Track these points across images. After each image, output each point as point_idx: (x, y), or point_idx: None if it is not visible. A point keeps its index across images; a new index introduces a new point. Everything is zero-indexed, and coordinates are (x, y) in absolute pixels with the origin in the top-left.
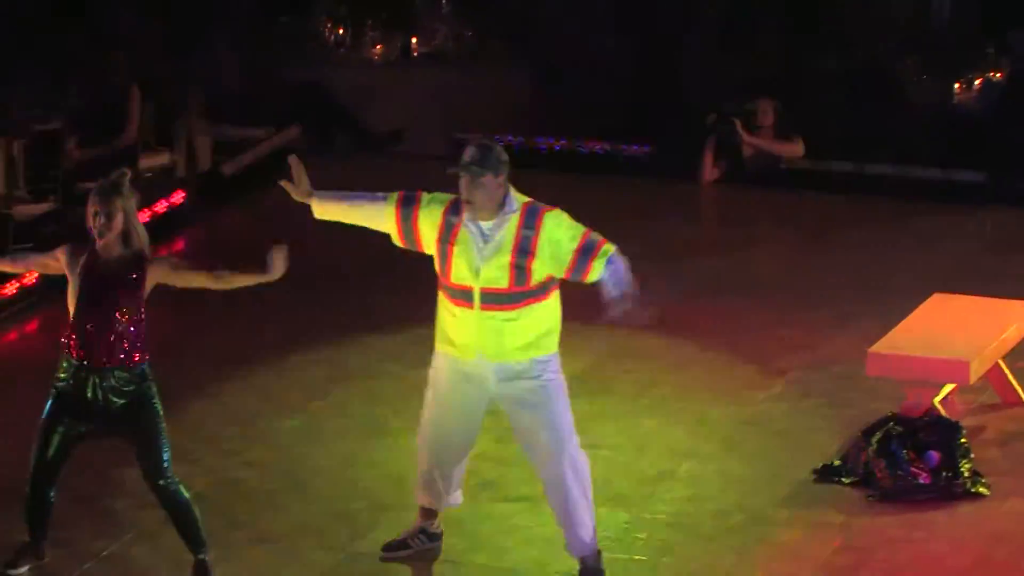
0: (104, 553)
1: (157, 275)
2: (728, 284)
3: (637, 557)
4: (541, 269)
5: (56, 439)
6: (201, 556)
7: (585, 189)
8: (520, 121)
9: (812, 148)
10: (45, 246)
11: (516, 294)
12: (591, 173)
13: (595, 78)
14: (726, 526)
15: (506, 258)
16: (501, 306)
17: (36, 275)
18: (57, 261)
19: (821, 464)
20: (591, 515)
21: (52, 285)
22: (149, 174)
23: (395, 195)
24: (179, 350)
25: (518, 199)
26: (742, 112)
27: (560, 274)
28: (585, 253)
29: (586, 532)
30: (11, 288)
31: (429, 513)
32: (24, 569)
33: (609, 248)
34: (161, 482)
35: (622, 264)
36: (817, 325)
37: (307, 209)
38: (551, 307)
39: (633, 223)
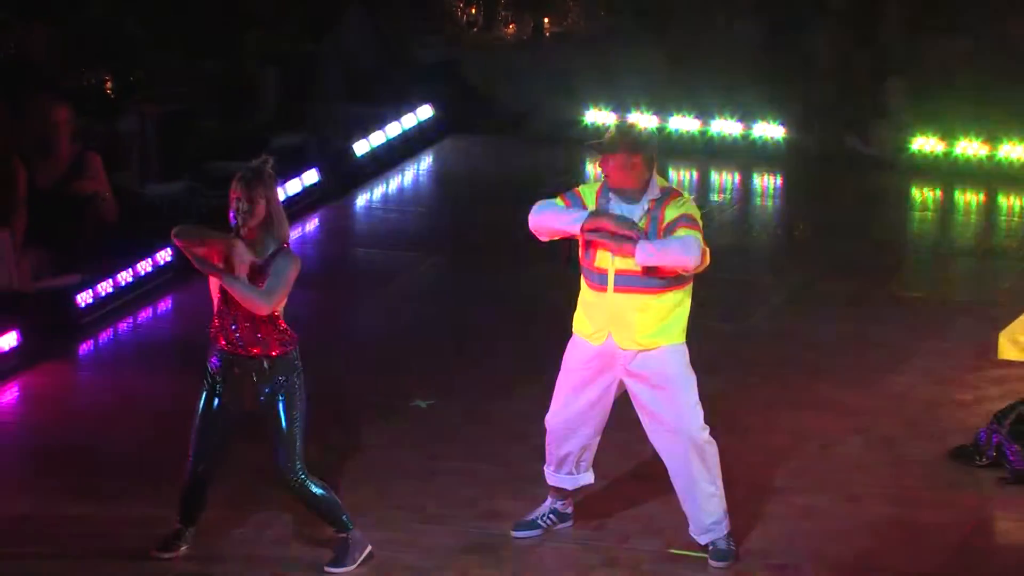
0: (238, 531)
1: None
2: (855, 267)
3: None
4: None
5: (214, 428)
6: (344, 535)
7: (717, 170)
8: (652, 102)
9: (943, 130)
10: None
11: (648, 279)
12: (724, 155)
13: (727, 58)
14: (859, 508)
15: None
16: (633, 289)
17: (171, 254)
18: (220, 247)
19: (954, 446)
20: (719, 502)
21: (186, 266)
22: (280, 154)
23: (561, 200)
24: (314, 332)
25: (659, 184)
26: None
27: None
28: (671, 227)
29: (710, 518)
30: (145, 266)
31: (559, 493)
32: (173, 554)
33: (691, 232)
34: (286, 479)
35: (679, 246)
36: (947, 310)
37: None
38: (682, 298)
39: (763, 204)
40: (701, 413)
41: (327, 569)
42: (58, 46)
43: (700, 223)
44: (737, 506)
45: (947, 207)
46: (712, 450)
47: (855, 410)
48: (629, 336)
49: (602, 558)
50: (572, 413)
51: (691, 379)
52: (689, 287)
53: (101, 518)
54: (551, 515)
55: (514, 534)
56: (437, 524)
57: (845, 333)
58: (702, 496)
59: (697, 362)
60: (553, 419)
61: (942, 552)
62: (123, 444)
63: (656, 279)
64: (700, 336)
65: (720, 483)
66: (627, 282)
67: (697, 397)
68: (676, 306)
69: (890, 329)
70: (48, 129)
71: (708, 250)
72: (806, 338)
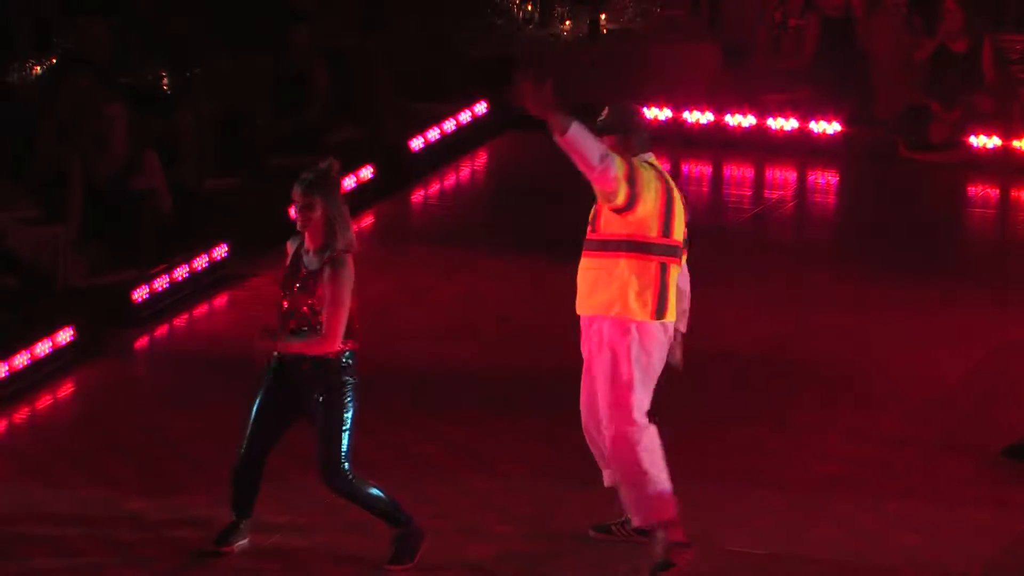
0: (290, 526)
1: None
2: (912, 265)
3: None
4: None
5: (270, 417)
6: (400, 530)
7: (773, 166)
8: (709, 97)
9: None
10: (234, 222)
11: (603, 242)
12: (780, 150)
13: (781, 53)
14: (912, 503)
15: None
16: (592, 253)
17: (226, 249)
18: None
19: (1010, 443)
20: (644, 486)
21: (241, 262)
22: (334, 150)
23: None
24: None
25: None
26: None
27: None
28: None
29: (637, 505)
30: (201, 262)
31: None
32: (229, 549)
33: (618, 157)
34: (330, 480)
35: (598, 150)
36: (1007, 307)
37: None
38: (640, 269)
39: (819, 200)
40: (638, 402)
41: (387, 567)
42: (116, 43)
43: (639, 174)
44: (788, 504)
45: (1005, 203)
46: (640, 437)
47: (909, 407)
48: (586, 301)
49: (656, 556)
50: (586, 400)
51: (634, 361)
52: (653, 265)
53: (156, 513)
54: (626, 523)
55: (592, 533)
56: (496, 519)
57: (900, 330)
58: (627, 480)
59: (754, 361)
60: (582, 415)
61: (992, 550)
62: (177, 439)
63: (609, 242)
64: (754, 335)
65: (649, 468)
66: (590, 246)
67: (638, 384)
68: (633, 277)
69: (947, 327)
70: (104, 125)
71: (628, 192)
72: (861, 335)
